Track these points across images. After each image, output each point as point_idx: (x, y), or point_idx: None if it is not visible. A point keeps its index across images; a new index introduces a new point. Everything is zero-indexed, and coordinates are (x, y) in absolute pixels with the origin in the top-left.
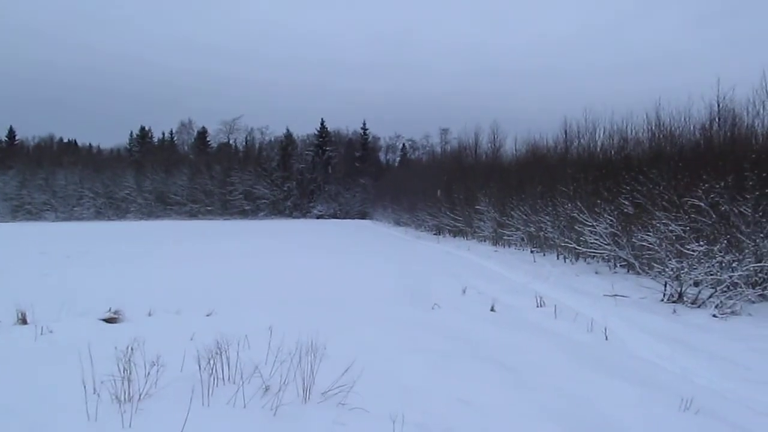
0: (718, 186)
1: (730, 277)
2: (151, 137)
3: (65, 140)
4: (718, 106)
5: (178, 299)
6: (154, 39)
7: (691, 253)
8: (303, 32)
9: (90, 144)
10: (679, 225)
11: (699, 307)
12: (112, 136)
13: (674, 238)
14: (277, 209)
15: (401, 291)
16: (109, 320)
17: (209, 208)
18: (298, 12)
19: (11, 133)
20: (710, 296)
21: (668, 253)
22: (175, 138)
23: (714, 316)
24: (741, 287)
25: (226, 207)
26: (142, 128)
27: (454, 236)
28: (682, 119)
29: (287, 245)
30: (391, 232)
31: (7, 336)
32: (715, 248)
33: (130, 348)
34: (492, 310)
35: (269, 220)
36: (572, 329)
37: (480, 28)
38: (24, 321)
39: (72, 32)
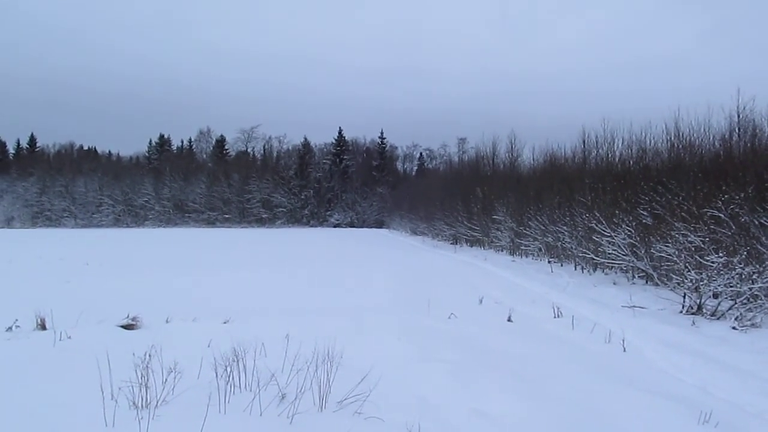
0: (738, 197)
1: (750, 289)
2: (170, 145)
3: (85, 147)
4: (738, 116)
5: (195, 307)
6: (174, 46)
7: (711, 264)
8: (321, 41)
9: (109, 151)
10: (699, 236)
11: (719, 319)
12: (132, 143)
13: (693, 249)
14: (295, 218)
15: (418, 300)
16: (127, 327)
17: (227, 216)
18: (315, 21)
19: (32, 140)
20: (730, 308)
21: (687, 265)
22: (194, 146)
23: (734, 328)
24: (761, 299)
25: (243, 215)
26: (161, 136)
27: (471, 246)
28: (702, 130)
29: (304, 254)
30: (408, 241)
31: (26, 341)
32: (735, 260)
33: (147, 354)
34: (509, 320)
35: (286, 228)
36: (590, 340)
37: (496, 34)
38: (43, 327)
39: (93, 38)
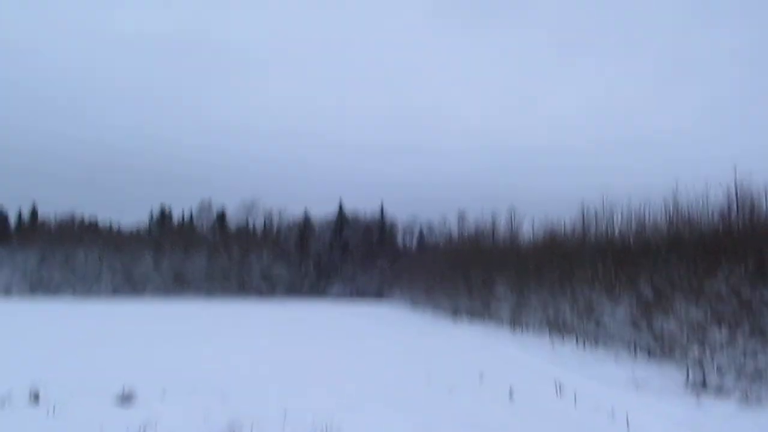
0: (738, 271)
1: (754, 364)
2: (171, 217)
3: (86, 218)
4: (736, 191)
5: (192, 380)
6: (176, 119)
7: (713, 339)
8: (322, 117)
9: (110, 223)
10: (700, 311)
11: (723, 394)
12: (134, 213)
13: (695, 323)
14: (294, 290)
15: (417, 375)
16: (122, 400)
17: (226, 287)
18: (316, 97)
19: (34, 211)
20: (734, 384)
21: (690, 339)
22: (195, 219)
23: (739, 404)
24: (766, 375)
25: (242, 287)
26: (162, 209)
27: (472, 319)
28: (700, 204)
29: (303, 328)
30: (408, 314)
31: (18, 416)
32: (738, 334)
33: (143, 429)
34: (510, 397)
35: (286, 300)
36: (593, 418)
37: (493, 108)
38: (36, 399)
39: (94, 110)
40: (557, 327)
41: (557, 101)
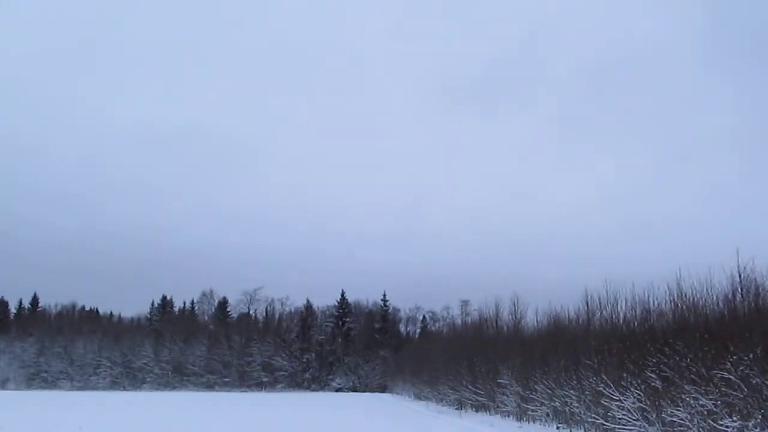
0: (746, 358)
1: None
2: (172, 306)
3: (87, 308)
4: (740, 276)
5: None
6: (179, 208)
7: (725, 429)
8: (324, 208)
9: (111, 312)
10: (710, 399)
11: None
12: (135, 304)
13: (705, 413)
14: (296, 382)
15: None
16: None
17: (226, 379)
18: (316, 186)
19: (35, 300)
20: None
21: (700, 429)
22: (196, 307)
23: None
24: None
25: (243, 379)
26: (164, 297)
27: (477, 411)
28: (705, 290)
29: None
30: (412, 406)
31: None
32: (750, 423)
33: None
34: None
35: (287, 393)
36: None
37: (494, 195)
38: None
39: (94, 200)
40: (565, 417)
41: (559, 188)
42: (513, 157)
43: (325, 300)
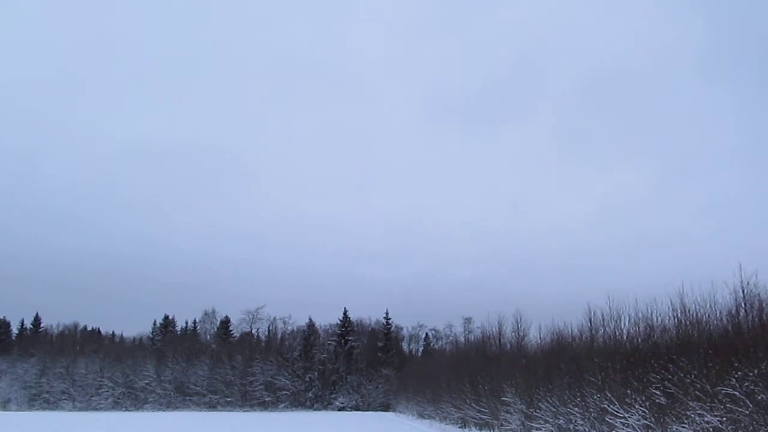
0: (751, 374)
1: None
2: (174, 326)
3: (89, 328)
4: (743, 291)
5: None
6: (180, 226)
7: None
8: (325, 226)
9: (113, 332)
10: (715, 415)
11: None
12: (137, 324)
13: (711, 429)
14: (298, 401)
15: None
16: None
17: (229, 399)
18: (316, 203)
19: (36, 320)
20: None
21: None
22: (198, 327)
23: None
24: None
25: (246, 398)
26: (166, 317)
27: (480, 429)
28: (708, 305)
29: None
30: (415, 424)
31: None
32: None
33: None
34: None
35: (289, 412)
36: None
37: (495, 211)
38: None
39: (94, 221)
40: None
41: (560, 203)
42: (513, 171)
43: (327, 318)
